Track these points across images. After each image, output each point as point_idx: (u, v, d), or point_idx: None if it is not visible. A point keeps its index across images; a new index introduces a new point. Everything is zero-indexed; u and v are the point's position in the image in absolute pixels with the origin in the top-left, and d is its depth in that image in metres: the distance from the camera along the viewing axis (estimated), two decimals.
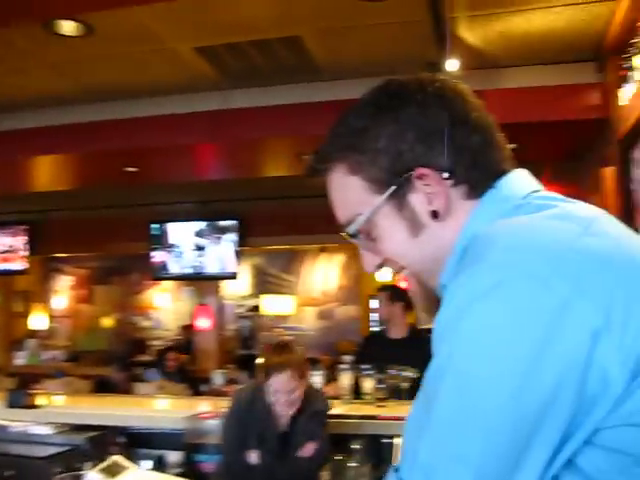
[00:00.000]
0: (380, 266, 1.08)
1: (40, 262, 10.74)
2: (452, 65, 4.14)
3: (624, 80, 4.26)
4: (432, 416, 0.79)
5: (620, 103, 4.43)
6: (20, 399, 4.61)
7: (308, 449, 3.15)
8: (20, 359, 10.64)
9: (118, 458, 2.39)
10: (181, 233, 9.47)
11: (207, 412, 3.93)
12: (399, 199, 0.99)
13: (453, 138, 0.98)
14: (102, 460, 2.38)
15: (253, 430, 3.23)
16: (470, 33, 4.40)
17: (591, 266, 0.79)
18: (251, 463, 3.18)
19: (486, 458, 0.75)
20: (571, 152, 5.52)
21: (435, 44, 4.01)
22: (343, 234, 1.06)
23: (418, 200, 0.99)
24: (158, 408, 5.13)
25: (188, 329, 10.62)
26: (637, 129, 4.04)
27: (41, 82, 5.32)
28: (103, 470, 2.27)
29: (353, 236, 1.04)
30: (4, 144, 6.09)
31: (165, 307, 11.94)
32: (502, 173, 1.01)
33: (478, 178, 0.99)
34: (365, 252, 1.08)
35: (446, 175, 0.98)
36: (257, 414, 3.22)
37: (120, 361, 8.04)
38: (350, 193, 1.03)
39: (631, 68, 4.07)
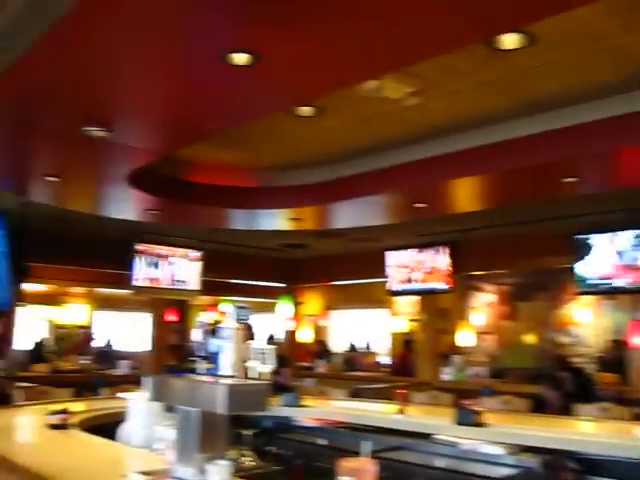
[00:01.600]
0: None
1: (459, 280, 10.99)
2: None
3: None
4: None
5: None
6: (469, 417, 4.63)
7: None
8: (446, 375, 10.95)
9: None
10: (608, 243, 8.90)
11: None
12: None
13: None
14: None
15: None
16: None
17: None
18: None
19: None
20: None
21: None
22: None
23: None
24: (613, 433, 4.69)
25: (618, 345, 9.94)
26: None
27: (474, 102, 5.36)
28: None
29: None
30: (433, 169, 6.24)
31: (586, 322, 11.36)
32: None
33: None
34: None
35: None
36: None
37: (550, 379, 7.77)
38: None
39: None
